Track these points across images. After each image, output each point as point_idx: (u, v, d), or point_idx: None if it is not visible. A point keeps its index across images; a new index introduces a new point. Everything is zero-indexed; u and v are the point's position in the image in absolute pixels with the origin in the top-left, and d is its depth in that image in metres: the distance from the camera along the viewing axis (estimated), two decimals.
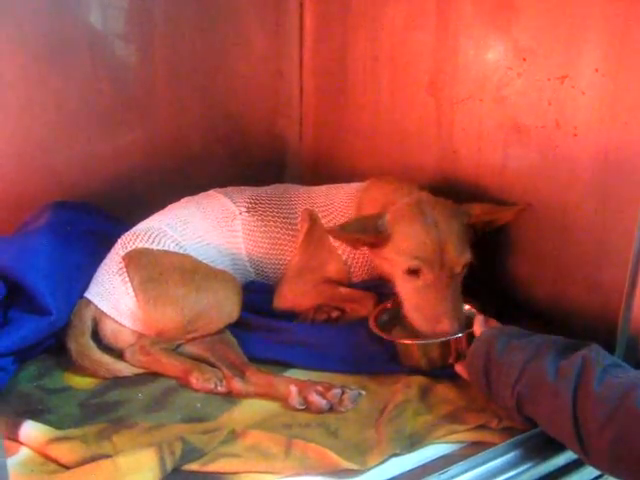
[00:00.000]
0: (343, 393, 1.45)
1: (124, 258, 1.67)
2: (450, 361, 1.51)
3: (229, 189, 1.93)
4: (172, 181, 2.24)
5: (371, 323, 1.62)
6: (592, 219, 1.50)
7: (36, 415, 1.40)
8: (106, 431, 1.36)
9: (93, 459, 1.24)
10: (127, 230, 1.76)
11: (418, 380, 1.51)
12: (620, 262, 1.42)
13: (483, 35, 1.68)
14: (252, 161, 2.41)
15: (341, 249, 1.81)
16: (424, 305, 1.57)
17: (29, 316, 1.55)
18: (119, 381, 1.56)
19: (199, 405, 1.48)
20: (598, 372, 1.19)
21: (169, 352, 1.61)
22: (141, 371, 1.59)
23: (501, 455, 1.31)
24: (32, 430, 1.33)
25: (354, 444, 1.33)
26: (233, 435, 1.33)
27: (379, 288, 1.73)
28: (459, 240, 1.58)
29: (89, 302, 1.65)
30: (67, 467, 1.25)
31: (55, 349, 1.63)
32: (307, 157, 2.47)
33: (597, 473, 1.33)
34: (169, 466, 1.23)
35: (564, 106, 1.51)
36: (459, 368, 1.50)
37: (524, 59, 1.58)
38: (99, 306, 1.63)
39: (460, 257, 1.57)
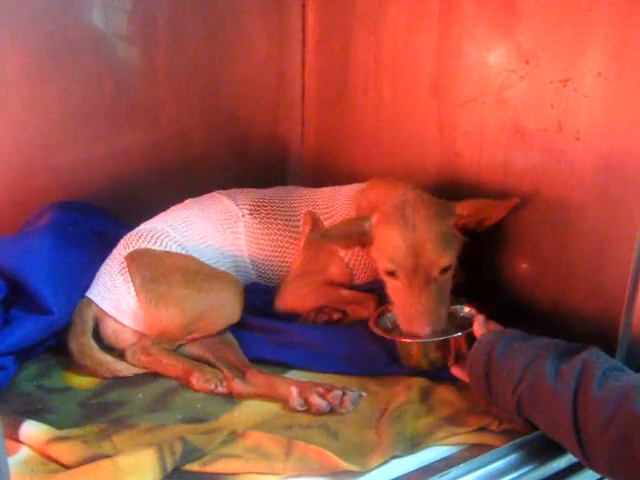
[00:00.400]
0: (344, 395, 1.45)
1: (126, 258, 1.67)
2: (449, 362, 1.51)
3: (232, 191, 1.93)
4: (174, 182, 2.24)
5: (371, 323, 1.62)
6: (594, 222, 1.50)
7: (36, 415, 1.41)
8: (106, 431, 1.36)
9: (93, 459, 1.24)
10: (129, 231, 1.76)
11: (419, 382, 1.51)
12: (621, 265, 1.42)
13: (485, 38, 1.68)
14: (254, 163, 2.41)
15: (343, 251, 1.81)
16: (403, 306, 1.58)
17: (30, 315, 1.55)
18: (119, 381, 1.56)
19: (199, 406, 1.48)
20: (598, 375, 1.19)
21: (170, 352, 1.61)
22: (141, 371, 1.59)
23: (502, 457, 1.31)
24: (32, 430, 1.33)
25: (354, 446, 1.33)
26: (233, 436, 1.34)
27: (381, 290, 1.73)
28: (438, 242, 1.56)
29: (90, 302, 1.65)
30: (67, 467, 1.25)
31: (56, 349, 1.63)
32: (309, 159, 2.47)
33: (597, 476, 1.33)
34: (169, 466, 1.23)
35: (566, 109, 1.51)
36: (455, 370, 1.50)
37: (527, 62, 1.58)
38: (100, 306, 1.64)
39: (437, 260, 1.55)
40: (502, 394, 1.31)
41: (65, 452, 1.27)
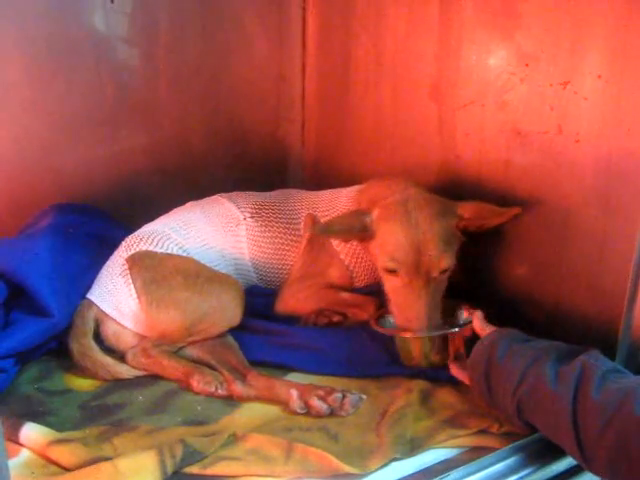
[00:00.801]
0: (344, 397, 1.45)
1: (127, 260, 1.67)
2: (448, 361, 1.52)
3: (234, 194, 1.93)
4: (174, 184, 2.25)
5: (371, 322, 1.63)
6: (594, 225, 1.50)
7: (37, 417, 1.40)
8: (107, 433, 1.36)
9: (93, 461, 1.24)
10: (129, 233, 1.76)
11: (419, 384, 1.51)
12: (622, 268, 1.42)
13: (485, 40, 1.68)
14: (254, 165, 2.41)
15: (343, 254, 1.81)
16: (401, 304, 1.58)
17: (31, 318, 1.55)
18: (120, 383, 1.56)
19: (200, 408, 1.48)
20: (597, 378, 1.19)
21: (170, 355, 1.61)
22: (142, 373, 1.59)
23: (502, 460, 1.31)
24: (33, 432, 1.33)
25: (355, 448, 1.33)
26: (234, 438, 1.34)
27: (380, 292, 1.73)
28: (440, 243, 1.56)
29: (91, 303, 1.65)
30: (67, 469, 1.25)
31: (56, 351, 1.63)
32: (309, 161, 2.47)
33: (597, 479, 1.33)
34: (169, 469, 1.23)
35: (566, 112, 1.51)
36: (454, 370, 1.50)
37: (526, 65, 1.58)
38: (101, 307, 1.64)
39: (439, 261, 1.55)
40: (502, 396, 1.31)
41: (65, 455, 1.27)
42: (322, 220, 1.83)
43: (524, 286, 1.71)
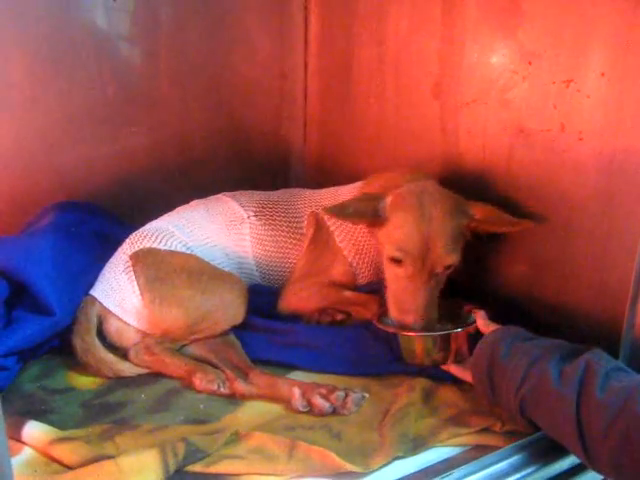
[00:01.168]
0: (346, 396, 1.45)
1: (131, 257, 1.67)
2: (450, 360, 1.52)
3: (237, 193, 1.94)
4: (176, 182, 2.25)
5: (375, 320, 1.62)
6: (597, 223, 1.49)
7: (39, 415, 1.41)
8: (109, 432, 1.36)
9: (96, 460, 1.24)
10: (131, 231, 1.77)
11: (422, 383, 1.51)
12: (625, 266, 1.42)
13: (488, 38, 1.68)
14: (256, 163, 2.41)
15: (347, 250, 1.81)
16: (399, 294, 1.58)
17: (33, 316, 1.55)
18: (122, 382, 1.56)
19: (202, 406, 1.48)
20: (601, 377, 1.19)
21: (173, 352, 1.61)
22: (144, 371, 1.59)
23: (505, 458, 1.31)
24: (35, 430, 1.33)
25: (357, 447, 1.32)
26: (236, 437, 1.34)
27: (383, 289, 1.73)
28: (449, 240, 1.56)
29: (95, 300, 1.65)
30: (70, 467, 1.24)
31: (58, 349, 1.63)
32: (311, 159, 2.47)
33: (600, 477, 1.33)
34: (172, 467, 1.23)
35: (569, 110, 1.51)
36: (454, 369, 1.50)
37: (529, 63, 1.58)
38: (104, 304, 1.64)
39: (445, 257, 1.56)
40: (505, 395, 1.31)
41: (68, 453, 1.26)
42: (326, 219, 1.83)
43: (527, 284, 1.70)
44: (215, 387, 1.51)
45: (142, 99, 2.16)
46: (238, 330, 1.68)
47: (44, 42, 1.94)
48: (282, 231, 1.85)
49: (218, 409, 1.47)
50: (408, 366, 1.57)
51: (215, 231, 1.80)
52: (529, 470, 1.31)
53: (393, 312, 1.59)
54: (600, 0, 1.41)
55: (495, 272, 1.76)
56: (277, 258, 1.85)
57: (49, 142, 2.04)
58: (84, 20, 2.01)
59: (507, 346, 1.34)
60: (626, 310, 1.43)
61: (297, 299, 1.81)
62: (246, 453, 1.29)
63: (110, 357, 1.59)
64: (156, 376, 1.58)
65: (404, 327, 1.55)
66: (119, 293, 1.64)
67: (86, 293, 1.67)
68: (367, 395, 1.47)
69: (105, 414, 1.44)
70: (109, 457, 1.24)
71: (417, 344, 1.54)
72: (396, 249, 1.57)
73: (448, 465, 1.29)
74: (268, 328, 1.72)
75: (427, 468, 1.29)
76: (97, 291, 1.67)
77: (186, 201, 1.91)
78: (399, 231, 1.58)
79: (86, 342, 1.59)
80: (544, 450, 1.33)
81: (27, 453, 1.29)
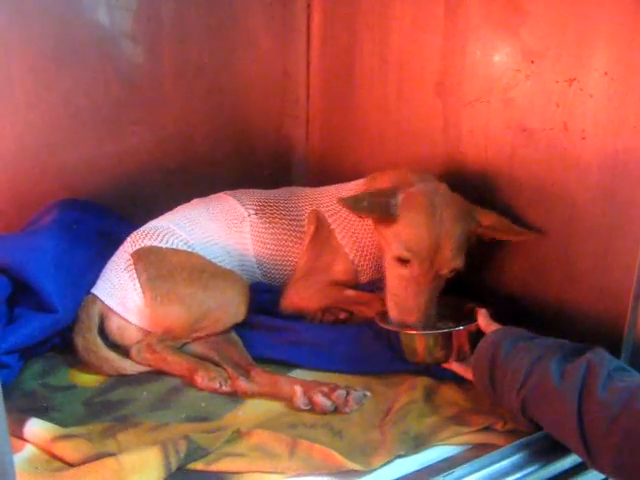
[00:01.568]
0: (348, 394, 1.45)
1: (133, 255, 1.67)
2: (451, 358, 1.52)
3: (238, 191, 1.94)
4: (178, 181, 2.25)
5: (376, 318, 1.62)
6: (599, 222, 1.49)
7: (41, 413, 1.41)
8: (111, 429, 1.37)
9: (97, 457, 1.24)
10: (133, 229, 1.77)
11: (423, 381, 1.51)
12: (627, 266, 1.42)
13: (491, 37, 1.68)
14: (258, 161, 2.41)
15: (348, 248, 1.81)
16: (401, 294, 1.57)
17: (35, 313, 1.55)
18: (124, 379, 1.57)
19: (204, 404, 1.48)
20: (603, 376, 1.19)
21: (175, 350, 1.61)
22: (146, 369, 1.59)
23: (506, 457, 1.31)
24: (37, 428, 1.33)
25: (359, 445, 1.33)
26: (238, 434, 1.34)
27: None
28: (457, 244, 1.56)
29: (96, 298, 1.65)
30: (71, 465, 1.25)
31: (60, 347, 1.64)
32: (313, 158, 2.47)
33: (602, 477, 1.33)
34: (173, 465, 1.23)
35: (572, 109, 1.51)
36: (455, 366, 1.50)
37: (532, 61, 1.58)
38: (106, 302, 1.64)
39: (451, 261, 1.56)
40: (507, 393, 1.31)
41: (69, 450, 1.27)
42: (327, 217, 1.83)
43: (529, 283, 1.70)
44: (217, 385, 1.51)
45: (144, 98, 2.16)
46: (240, 328, 1.68)
47: (47, 41, 1.94)
48: (283, 229, 1.85)
49: (220, 407, 1.47)
50: (409, 364, 1.56)
51: (216, 229, 1.80)
52: (530, 469, 1.31)
53: (393, 312, 1.58)
54: None
55: (497, 271, 1.76)
56: (278, 256, 1.85)
57: (51, 141, 2.04)
58: (87, 19, 2.01)
59: (508, 346, 1.34)
60: (628, 309, 1.43)
61: (299, 298, 1.81)
62: (248, 451, 1.29)
63: (112, 355, 1.59)
64: (158, 374, 1.59)
65: (405, 326, 1.55)
66: (121, 291, 1.64)
67: (88, 291, 1.67)
68: (368, 393, 1.47)
69: (107, 412, 1.44)
70: (111, 454, 1.24)
71: (419, 342, 1.54)
72: (405, 249, 1.56)
73: (449, 464, 1.29)
74: (270, 326, 1.72)
75: (428, 467, 1.29)
76: (98, 289, 1.67)
77: (188, 199, 1.91)
78: (409, 231, 1.58)
79: (87, 341, 1.59)
80: (545, 449, 1.33)
81: (29, 450, 1.29)
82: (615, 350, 1.37)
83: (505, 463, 1.30)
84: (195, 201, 1.90)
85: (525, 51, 1.59)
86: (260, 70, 2.34)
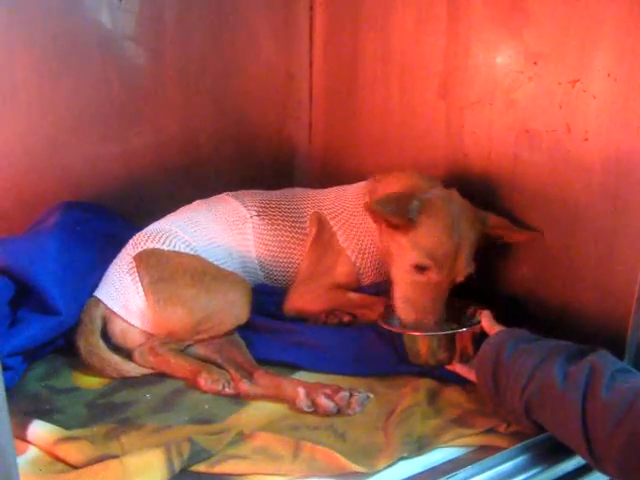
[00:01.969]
0: (351, 396, 1.45)
1: (135, 258, 1.67)
2: (455, 360, 1.51)
3: (240, 193, 1.93)
4: (181, 182, 2.25)
5: (379, 320, 1.62)
6: (602, 224, 1.49)
7: (44, 415, 1.41)
8: (114, 431, 1.37)
9: (101, 459, 1.24)
10: (136, 231, 1.77)
11: (426, 383, 1.51)
12: (630, 267, 1.42)
13: (494, 38, 1.68)
14: (261, 163, 2.41)
15: (350, 250, 1.81)
16: (416, 299, 1.58)
17: (38, 316, 1.55)
18: (127, 382, 1.57)
19: (207, 406, 1.48)
20: (606, 378, 1.18)
21: (178, 353, 1.61)
22: (149, 372, 1.59)
23: (509, 459, 1.31)
24: (40, 430, 1.33)
25: (362, 447, 1.33)
26: (241, 437, 1.34)
27: (387, 292, 1.72)
28: (471, 250, 1.59)
29: (99, 301, 1.65)
30: (75, 467, 1.25)
31: (64, 349, 1.63)
32: (316, 159, 2.47)
33: (606, 479, 1.32)
34: (177, 467, 1.23)
35: (575, 110, 1.51)
36: (459, 368, 1.50)
37: (535, 63, 1.58)
38: (109, 305, 1.64)
39: (467, 267, 1.59)
40: (510, 395, 1.31)
41: (73, 452, 1.27)
42: (329, 219, 1.83)
43: (532, 285, 1.70)
44: (220, 387, 1.51)
45: (147, 99, 2.16)
46: (243, 330, 1.68)
47: (50, 42, 1.95)
48: (285, 230, 1.85)
49: (223, 409, 1.47)
50: (413, 366, 1.57)
51: (218, 231, 1.79)
52: (534, 471, 1.31)
53: (408, 316, 1.59)
54: (606, 0, 1.41)
55: (501, 272, 1.76)
56: (280, 257, 1.85)
57: (55, 142, 2.04)
58: (90, 21, 2.01)
59: (512, 348, 1.34)
60: (631, 311, 1.42)
61: (303, 302, 1.81)
62: (251, 453, 1.29)
63: (115, 358, 1.59)
64: (161, 376, 1.59)
65: (409, 326, 1.55)
66: (123, 294, 1.64)
67: (91, 293, 1.67)
68: (372, 395, 1.47)
69: (110, 414, 1.44)
70: (114, 457, 1.24)
71: (422, 344, 1.54)
72: (425, 255, 1.57)
73: (453, 466, 1.29)
74: (273, 328, 1.72)
75: (432, 469, 1.29)
76: (101, 292, 1.67)
77: (191, 200, 1.91)
78: (430, 238, 1.58)
79: (90, 343, 1.59)
80: (549, 451, 1.33)
81: (32, 452, 1.29)
82: (619, 352, 1.37)
83: (508, 465, 1.30)
84: (197, 202, 1.90)
85: (528, 53, 1.59)
86: (263, 72, 2.35)
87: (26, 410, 1.42)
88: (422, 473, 1.28)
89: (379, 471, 1.26)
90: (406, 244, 1.61)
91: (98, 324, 1.63)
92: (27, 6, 1.89)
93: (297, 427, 1.39)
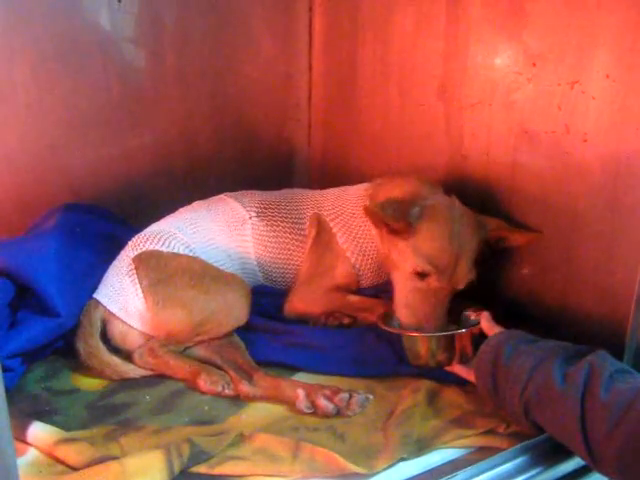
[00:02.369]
0: (351, 397, 1.45)
1: (134, 260, 1.67)
2: (454, 361, 1.51)
3: (239, 193, 1.94)
4: (181, 183, 2.25)
5: (379, 321, 1.62)
6: (601, 225, 1.49)
7: (44, 416, 1.41)
8: (113, 433, 1.37)
9: (100, 461, 1.24)
10: (136, 233, 1.77)
11: (426, 384, 1.51)
12: (630, 268, 1.42)
13: (493, 40, 1.68)
14: (261, 164, 2.41)
15: (349, 251, 1.81)
16: (417, 305, 1.59)
17: (38, 317, 1.55)
18: (127, 383, 1.56)
19: (207, 408, 1.48)
20: (605, 378, 1.19)
21: (177, 354, 1.61)
22: (149, 373, 1.59)
23: (509, 460, 1.31)
24: (40, 431, 1.33)
25: (362, 448, 1.33)
26: (241, 438, 1.34)
27: (387, 293, 1.72)
28: (472, 257, 1.59)
29: (98, 303, 1.65)
30: (74, 468, 1.25)
31: (63, 351, 1.63)
32: (315, 161, 2.47)
33: (605, 479, 1.33)
34: (176, 468, 1.24)
35: (574, 111, 1.51)
36: (458, 368, 1.50)
37: (534, 64, 1.58)
38: (108, 307, 1.64)
39: (469, 274, 1.59)
40: (509, 397, 1.31)
41: (72, 454, 1.27)
42: (328, 220, 1.83)
43: (531, 286, 1.71)
44: (219, 388, 1.51)
45: (147, 100, 2.16)
46: (242, 331, 1.68)
47: (49, 43, 1.95)
48: (284, 231, 1.85)
49: (222, 410, 1.47)
50: (412, 367, 1.57)
51: (217, 232, 1.80)
52: (534, 472, 1.31)
53: (409, 321, 1.59)
54: (605, 1, 1.41)
55: (500, 274, 1.76)
56: (279, 259, 1.85)
57: (54, 143, 2.04)
58: (89, 22, 2.02)
59: (511, 349, 1.34)
60: (631, 312, 1.42)
61: (303, 304, 1.81)
62: (250, 454, 1.29)
63: (114, 360, 1.59)
64: (160, 378, 1.58)
65: (409, 327, 1.56)
66: (122, 296, 1.64)
67: (91, 294, 1.67)
68: (371, 396, 1.47)
69: (110, 415, 1.44)
70: (114, 458, 1.25)
71: (421, 345, 1.54)
72: (426, 262, 1.57)
73: (452, 467, 1.29)
74: (272, 329, 1.72)
75: (431, 470, 1.29)
76: (100, 294, 1.67)
77: (190, 201, 1.91)
78: (431, 245, 1.58)
79: (90, 345, 1.59)
80: (549, 452, 1.33)
81: (32, 454, 1.30)
82: (618, 352, 1.37)
83: (508, 466, 1.30)
84: (196, 203, 1.90)
85: (527, 54, 1.59)
86: (262, 73, 2.35)
87: (26, 412, 1.42)
88: (422, 474, 1.28)
89: (379, 472, 1.26)
90: (406, 250, 1.61)
91: (98, 326, 1.62)
92: (27, 7, 1.89)
93: (297, 428, 1.39)
